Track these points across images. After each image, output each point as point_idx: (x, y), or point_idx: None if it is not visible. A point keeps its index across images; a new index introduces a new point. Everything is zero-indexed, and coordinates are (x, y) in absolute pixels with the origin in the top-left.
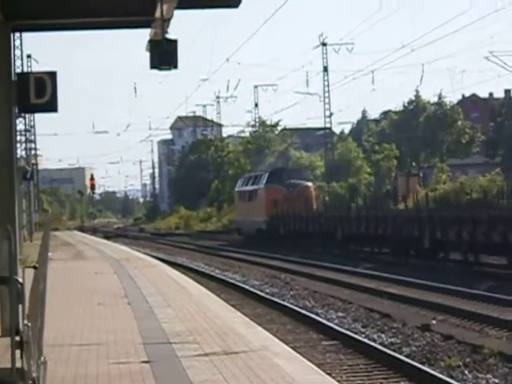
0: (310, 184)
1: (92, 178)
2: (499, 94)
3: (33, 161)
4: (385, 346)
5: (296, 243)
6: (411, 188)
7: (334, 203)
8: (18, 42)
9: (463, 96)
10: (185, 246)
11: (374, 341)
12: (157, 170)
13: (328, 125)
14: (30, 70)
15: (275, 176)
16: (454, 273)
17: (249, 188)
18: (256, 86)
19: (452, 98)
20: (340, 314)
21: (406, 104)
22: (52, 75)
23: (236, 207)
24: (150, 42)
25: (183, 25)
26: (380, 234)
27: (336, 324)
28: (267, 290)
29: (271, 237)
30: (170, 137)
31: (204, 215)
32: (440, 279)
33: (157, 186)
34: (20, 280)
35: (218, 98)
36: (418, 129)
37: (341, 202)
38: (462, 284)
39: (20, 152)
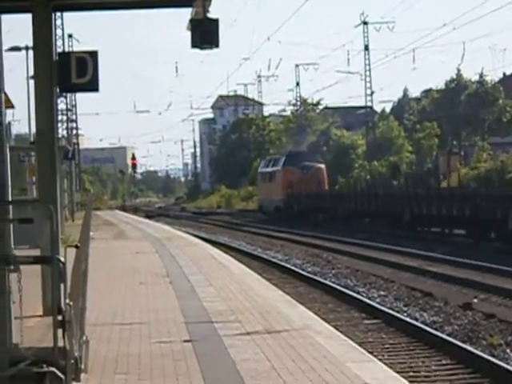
0: (322, 166)
1: (133, 158)
2: None
3: (74, 140)
4: (426, 325)
5: (308, 218)
6: (452, 166)
7: (375, 181)
8: (58, 22)
9: (504, 74)
10: (226, 224)
11: (416, 319)
12: (198, 149)
13: (369, 103)
14: (71, 49)
15: (291, 159)
16: (497, 251)
17: (269, 170)
18: (297, 65)
19: (493, 76)
20: (382, 292)
21: (447, 82)
22: (93, 55)
23: (259, 187)
24: (192, 21)
25: (224, 4)
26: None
27: (378, 303)
28: (309, 269)
29: (287, 213)
30: (211, 116)
31: (245, 194)
32: (483, 258)
33: (198, 165)
34: (62, 259)
35: (259, 76)
36: (459, 107)
37: (382, 180)
38: (504, 263)
39: (61, 131)
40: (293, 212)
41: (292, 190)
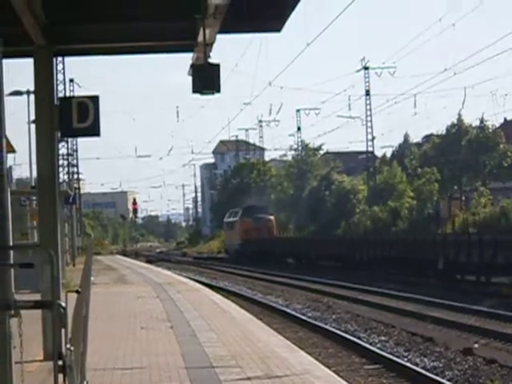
0: (272, 217)
1: (134, 202)
2: None
3: (75, 185)
4: (427, 370)
5: (259, 260)
6: (453, 212)
7: (375, 227)
8: (60, 67)
9: (505, 119)
10: (227, 269)
11: (417, 365)
12: (199, 194)
13: (370, 148)
14: (72, 93)
15: (247, 211)
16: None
17: (231, 220)
18: (298, 110)
19: (494, 121)
20: (382, 337)
21: (448, 127)
22: (94, 99)
23: (224, 234)
24: (193, 66)
25: (226, 49)
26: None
27: (378, 348)
28: (309, 314)
29: (244, 255)
30: (212, 161)
31: None
32: (489, 303)
33: (199, 209)
34: (63, 304)
35: (260, 121)
36: (460, 152)
37: (383, 225)
38: (506, 307)
39: (62, 176)
40: (248, 254)
41: (247, 237)
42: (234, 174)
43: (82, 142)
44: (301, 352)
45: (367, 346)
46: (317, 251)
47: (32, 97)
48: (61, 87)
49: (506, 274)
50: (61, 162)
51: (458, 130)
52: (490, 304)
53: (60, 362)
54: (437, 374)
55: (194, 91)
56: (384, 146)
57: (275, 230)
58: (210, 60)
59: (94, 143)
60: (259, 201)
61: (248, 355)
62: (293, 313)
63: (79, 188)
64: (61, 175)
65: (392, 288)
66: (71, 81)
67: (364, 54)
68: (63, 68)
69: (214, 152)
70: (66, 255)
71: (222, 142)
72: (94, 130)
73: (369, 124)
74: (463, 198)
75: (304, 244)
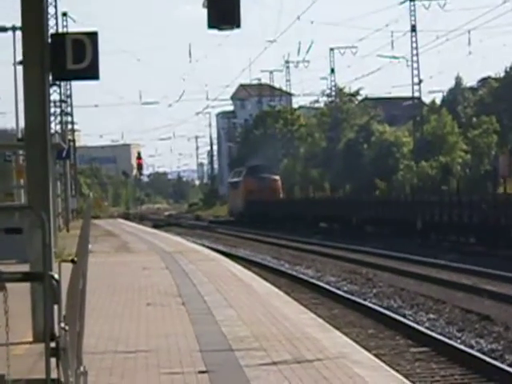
0: (277, 177)
1: (139, 157)
2: None
3: (69, 137)
4: (484, 354)
5: (264, 222)
6: None
7: (423, 186)
8: None
9: None
10: (248, 235)
11: (472, 347)
12: (215, 148)
13: (417, 94)
14: (66, 30)
15: (251, 171)
16: None
17: (235, 180)
18: (332, 49)
19: None
20: (431, 315)
21: (508, 69)
22: (92, 36)
23: (228, 194)
24: None
25: None
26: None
27: (427, 328)
28: (345, 288)
29: (248, 216)
30: (231, 108)
31: None
32: None
33: (215, 166)
34: (56, 276)
35: (287, 62)
36: None
37: (432, 184)
38: None
39: (54, 126)
40: (253, 216)
41: (251, 198)
42: (257, 124)
43: (77, 86)
44: (336, 332)
45: (414, 325)
46: (355, 215)
47: (19, 33)
48: (52, 22)
49: None
50: (52, 109)
51: None
52: None
53: (52, 344)
54: (495, 359)
55: (210, 26)
56: (433, 91)
57: (281, 191)
58: None
59: (91, 88)
60: (265, 158)
61: (274, 336)
62: (326, 286)
63: (74, 140)
64: (52, 125)
65: (445, 258)
66: (64, 14)
67: None
68: (55, 0)
69: (232, 98)
70: (59, 219)
71: (242, 86)
72: (91, 73)
73: (415, 65)
74: None
75: (332, 206)
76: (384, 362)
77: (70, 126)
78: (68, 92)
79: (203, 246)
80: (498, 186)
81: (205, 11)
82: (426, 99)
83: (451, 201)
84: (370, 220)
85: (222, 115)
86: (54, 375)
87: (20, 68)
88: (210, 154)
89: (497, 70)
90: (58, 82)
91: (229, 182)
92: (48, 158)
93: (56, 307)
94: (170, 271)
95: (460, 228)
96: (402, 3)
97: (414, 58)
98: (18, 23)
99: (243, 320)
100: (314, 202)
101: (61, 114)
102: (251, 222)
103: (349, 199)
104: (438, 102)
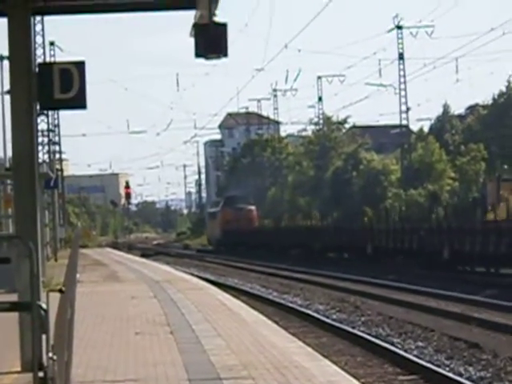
0: (253, 207)
1: (127, 186)
2: None
3: (57, 166)
4: (473, 382)
5: (238, 250)
6: (503, 195)
7: (412, 213)
8: (38, 27)
9: None
10: (236, 264)
11: (461, 375)
12: (203, 176)
13: (404, 122)
14: (53, 59)
15: (228, 201)
16: None
17: (213, 210)
18: (320, 77)
19: None
20: (420, 343)
21: (495, 97)
22: (79, 65)
23: (207, 224)
24: (195, 26)
25: (234, 5)
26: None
27: (415, 355)
28: (334, 316)
29: (225, 245)
30: (218, 137)
31: None
32: None
33: (203, 194)
34: (43, 306)
35: (274, 90)
36: (510, 125)
37: (420, 211)
38: None
39: (42, 156)
40: (229, 244)
41: (228, 227)
42: (245, 152)
43: (64, 115)
44: (324, 361)
45: (402, 353)
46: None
47: (6, 63)
48: (40, 51)
49: None
50: (40, 139)
51: (507, 99)
52: None
53: (41, 374)
54: None
55: (198, 55)
56: (420, 119)
57: (256, 221)
58: (216, 18)
59: (78, 117)
60: (247, 187)
61: (262, 365)
62: (314, 314)
63: (62, 169)
64: (40, 155)
65: (432, 286)
66: (52, 44)
67: (397, 11)
68: (42, 29)
69: (220, 127)
70: (47, 248)
71: (229, 115)
72: (79, 102)
73: (403, 93)
74: None
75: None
76: None
77: (57, 156)
78: (56, 121)
79: (192, 274)
80: (486, 214)
81: (192, 40)
82: (414, 127)
83: (439, 228)
84: (331, 246)
85: (210, 144)
86: None
87: (7, 97)
88: (198, 182)
89: (485, 98)
90: (45, 112)
91: (207, 212)
92: (36, 188)
93: (44, 337)
94: (158, 300)
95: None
96: (389, 31)
97: (402, 86)
98: (6, 52)
99: (232, 349)
100: (283, 231)
101: (48, 144)
102: (228, 249)
103: (312, 227)
104: (425, 129)
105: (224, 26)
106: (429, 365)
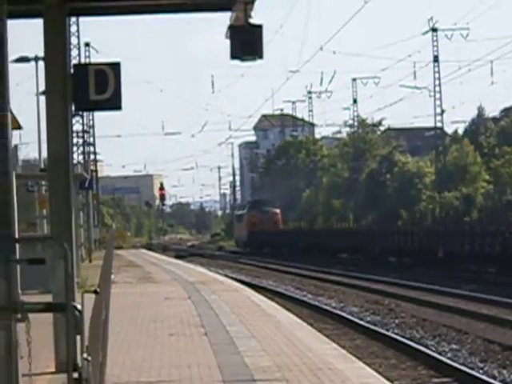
0: (277, 211)
1: (162, 188)
2: None
3: (92, 167)
4: None
5: (265, 250)
6: None
7: (447, 216)
8: (73, 28)
9: None
10: (271, 266)
11: (495, 378)
12: (238, 178)
13: (439, 124)
14: (88, 60)
15: (254, 205)
16: None
17: (240, 213)
18: (354, 79)
19: None
20: (454, 346)
21: None
22: (115, 67)
23: (234, 226)
24: (231, 27)
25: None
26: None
27: (449, 358)
28: (368, 318)
29: (251, 246)
30: (253, 138)
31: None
32: None
33: (238, 196)
34: (78, 307)
35: (309, 93)
36: None
37: (454, 214)
38: None
39: (77, 157)
40: (255, 245)
41: (253, 229)
42: (279, 154)
43: (99, 116)
44: (358, 363)
45: (436, 355)
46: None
47: (41, 64)
48: (75, 52)
49: None
50: (75, 140)
51: None
52: None
53: (75, 375)
54: None
55: (233, 57)
56: (455, 121)
57: (280, 223)
58: (251, 20)
59: (113, 118)
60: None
61: (296, 366)
62: (349, 317)
63: (96, 171)
64: (75, 156)
65: (469, 289)
66: (87, 45)
67: (432, 14)
68: (78, 30)
69: (255, 128)
70: (82, 249)
71: (264, 117)
72: (114, 103)
73: (437, 95)
74: None
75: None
76: None
77: (92, 157)
78: (90, 122)
79: (226, 276)
80: None
81: (227, 42)
82: (449, 129)
83: (473, 230)
84: (342, 247)
85: (245, 145)
86: None
87: (43, 98)
88: (233, 184)
89: None
90: (80, 113)
91: (235, 215)
92: (70, 189)
93: (79, 338)
94: (192, 301)
95: (481, 258)
96: (424, 33)
97: (437, 89)
98: (41, 53)
99: (266, 350)
100: (307, 233)
101: (83, 145)
102: (253, 250)
103: (328, 230)
104: (460, 132)
105: (259, 27)
106: (463, 367)
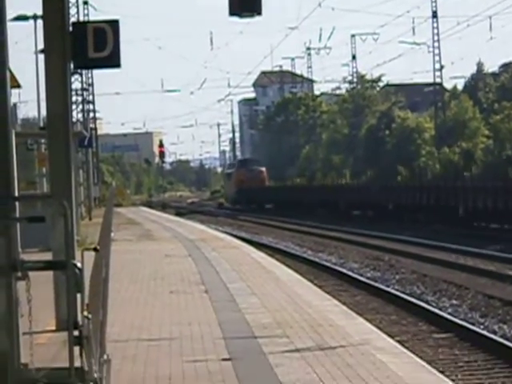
0: (263, 169)
1: (161, 145)
2: None
3: (91, 125)
4: (507, 339)
5: (251, 206)
6: None
7: (446, 172)
8: None
9: None
10: (271, 222)
11: (495, 333)
12: (238, 135)
13: (438, 80)
14: (87, 18)
15: (242, 164)
16: None
17: (229, 171)
18: (353, 35)
19: None
20: (454, 301)
21: None
22: (113, 24)
23: (224, 184)
24: None
25: None
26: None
27: (450, 314)
28: (368, 274)
29: (239, 202)
30: (252, 95)
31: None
32: None
33: (238, 153)
34: (78, 265)
35: (308, 49)
36: None
37: (454, 170)
38: None
39: (76, 115)
40: (243, 201)
41: (242, 186)
42: (279, 111)
43: (98, 74)
44: (359, 319)
45: (436, 311)
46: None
47: (40, 22)
48: (73, 10)
49: None
50: (74, 98)
51: None
52: None
53: (76, 333)
54: None
55: (232, 13)
56: (454, 77)
57: (266, 181)
58: None
59: (112, 76)
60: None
61: (297, 323)
62: (349, 273)
63: (96, 128)
64: (74, 114)
65: (467, 244)
66: (85, 3)
67: None
68: None
69: (254, 85)
70: (81, 207)
71: (263, 74)
72: (113, 61)
73: (436, 51)
74: None
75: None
76: (407, 348)
77: (91, 115)
78: (89, 80)
79: (226, 233)
80: None
81: None
82: (448, 85)
83: (474, 186)
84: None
85: (244, 102)
86: (77, 364)
87: (41, 56)
88: (232, 141)
89: None
90: (79, 71)
91: (224, 173)
92: (70, 147)
93: (79, 296)
94: (192, 259)
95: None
96: None
97: (436, 44)
98: (39, 12)
99: (266, 307)
100: (291, 189)
101: (82, 103)
102: (242, 205)
103: (306, 187)
104: (459, 87)
105: None
106: (463, 323)
